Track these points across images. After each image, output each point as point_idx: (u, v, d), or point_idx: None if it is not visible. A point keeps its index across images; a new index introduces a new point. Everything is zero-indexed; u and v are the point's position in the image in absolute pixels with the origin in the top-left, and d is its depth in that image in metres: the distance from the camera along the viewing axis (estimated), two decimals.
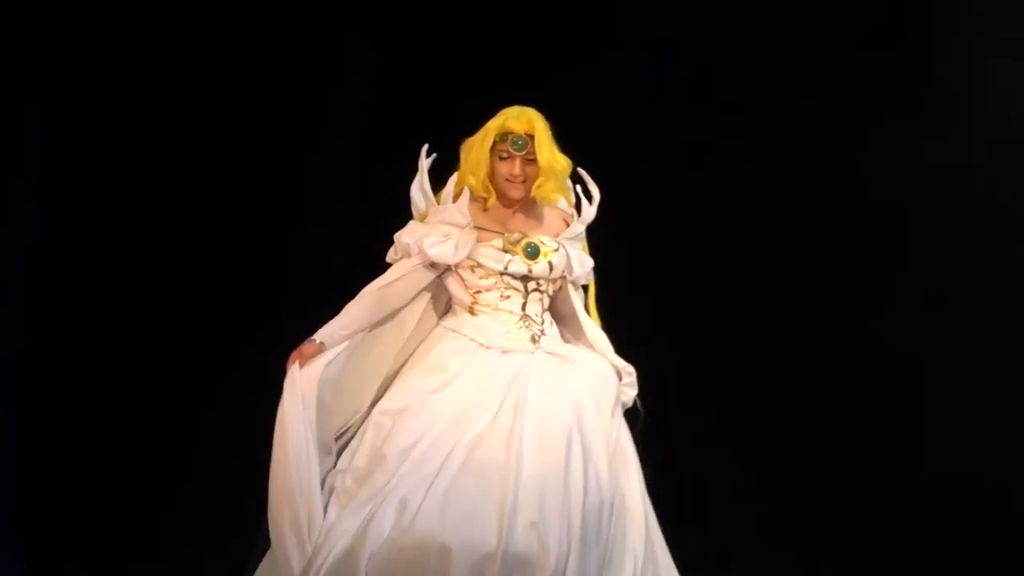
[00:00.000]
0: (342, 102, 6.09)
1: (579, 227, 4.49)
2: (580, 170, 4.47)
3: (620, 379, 4.39)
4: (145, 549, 5.85)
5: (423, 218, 4.44)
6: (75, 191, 5.89)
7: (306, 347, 4.30)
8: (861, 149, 5.90)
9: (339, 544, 4.10)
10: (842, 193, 5.85)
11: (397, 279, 4.39)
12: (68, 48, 5.85)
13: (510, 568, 4.00)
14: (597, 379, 4.35)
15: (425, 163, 4.45)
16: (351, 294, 4.38)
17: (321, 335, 4.31)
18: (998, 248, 5.84)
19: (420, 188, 4.46)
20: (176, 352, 5.90)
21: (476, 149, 4.39)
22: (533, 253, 4.38)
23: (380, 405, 4.32)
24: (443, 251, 4.34)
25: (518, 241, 4.39)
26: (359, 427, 4.34)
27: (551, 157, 4.34)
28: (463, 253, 4.34)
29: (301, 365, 4.26)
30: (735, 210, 5.90)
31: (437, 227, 4.37)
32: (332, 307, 4.36)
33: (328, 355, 4.31)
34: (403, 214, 4.47)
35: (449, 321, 4.44)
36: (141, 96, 5.91)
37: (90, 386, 5.89)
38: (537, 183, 4.36)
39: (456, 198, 4.39)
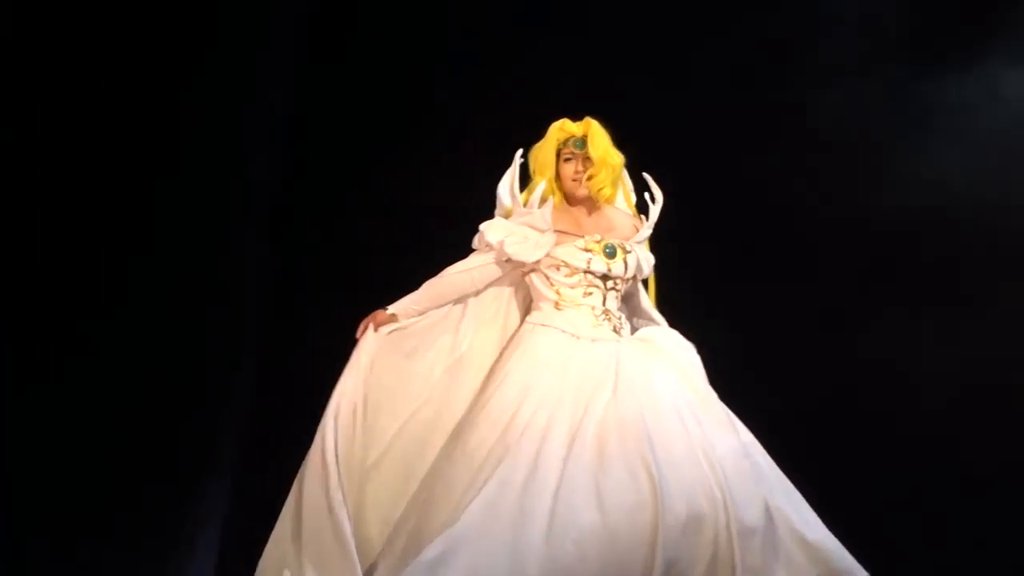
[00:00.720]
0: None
1: (646, 231, 4.80)
2: (645, 175, 4.79)
3: None
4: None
5: (508, 215, 4.73)
6: None
7: (379, 314, 4.67)
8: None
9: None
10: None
11: (469, 270, 4.72)
12: None
13: (683, 528, 4.26)
14: (679, 350, 4.69)
15: (516, 165, 4.76)
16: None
17: (394, 307, 4.68)
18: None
19: (509, 189, 4.75)
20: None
21: (541, 153, 4.74)
22: (611, 253, 4.69)
23: (489, 401, 4.55)
24: (522, 251, 4.63)
25: (598, 242, 4.69)
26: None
27: (604, 151, 4.69)
28: (540, 254, 4.63)
29: (375, 329, 4.62)
30: None
31: (519, 228, 4.67)
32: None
33: (395, 324, 4.65)
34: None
35: (535, 316, 4.72)
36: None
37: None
38: (588, 173, 4.67)
39: (542, 204, 4.68)
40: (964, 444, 5.91)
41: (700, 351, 4.78)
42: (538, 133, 5.17)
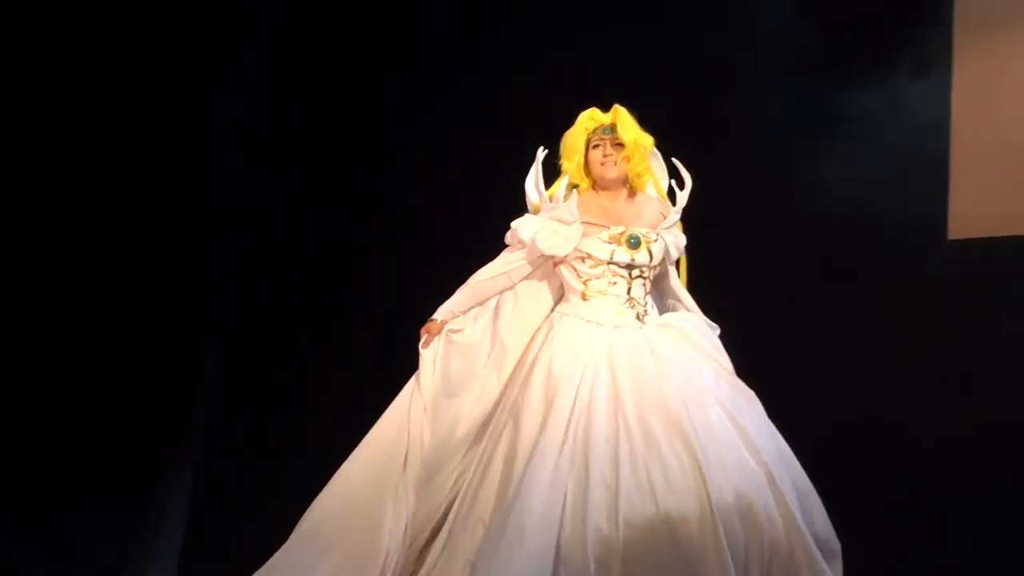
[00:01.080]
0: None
1: (674, 216, 4.97)
2: (674, 160, 4.99)
3: None
4: None
5: (536, 211, 4.91)
6: None
7: (431, 325, 4.91)
8: None
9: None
10: None
11: (506, 271, 4.91)
12: None
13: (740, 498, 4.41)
14: (702, 336, 4.87)
15: (540, 161, 4.94)
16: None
17: (439, 313, 4.92)
18: None
19: (534, 185, 4.94)
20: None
21: (570, 139, 4.93)
22: (635, 244, 4.84)
23: (523, 392, 4.70)
24: (553, 245, 4.81)
25: (622, 233, 4.85)
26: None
27: (635, 135, 4.90)
28: (570, 247, 4.80)
29: (428, 341, 4.87)
30: None
31: (549, 223, 4.84)
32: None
33: (451, 326, 4.90)
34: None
35: (563, 307, 4.88)
36: None
37: None
38: (623, 155, 4.85)
39: (567, 197, 4.88)
40: (879, 439, 6.06)
41: None
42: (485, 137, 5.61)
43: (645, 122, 4.94)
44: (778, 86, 6.31)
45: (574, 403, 4.57)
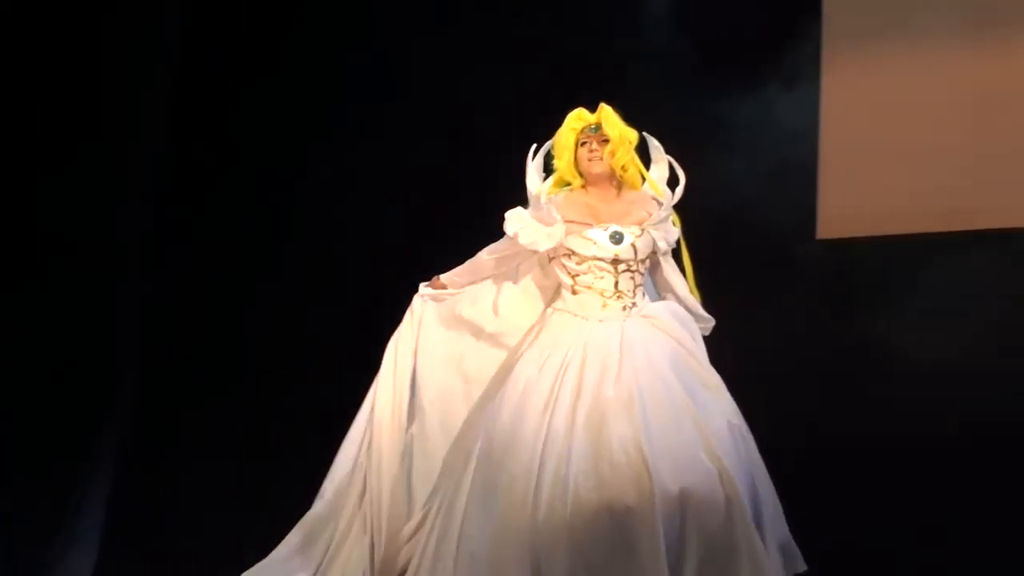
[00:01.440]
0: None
1: (662, 212, 5.08)
2: (669, 158, 5.13)
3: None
4: None
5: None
6: None
7: (435, 281, 5.16)
8: None
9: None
10: None
11: (496, 256, 5.11)
12: None
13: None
14: (679, 326, 4.96)
15: (531, 162, 5.08)
16: None
17: (444, 276, 5.17)
18: None
19: (528, 183, 5.09)
20: None
21: (561, 139, 5.09)
22: (618, 239, 4.97)
23: (507, 381, 4.84)
24: (533, 241, 4.97)
25: (605, 230, 4.99)
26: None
27: (620, 130, 5.06)
28: (550, 244, 4.95)
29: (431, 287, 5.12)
30: None
31: (531, 221, 5.00)
32: None
33: (442, 291, 5.13)
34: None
35: (557, 303, 5.04)
36: None
37: None
38: (609, 150, 4.99)
39: (555, 194, 5.04)
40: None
41: None
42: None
43: (533, 132, 5.14)
44: (663, 97, 6.57)
45: (549, 397, 4.73)
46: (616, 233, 4.97)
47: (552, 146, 5.08)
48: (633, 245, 4.99)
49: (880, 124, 6.56)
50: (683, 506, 4.50)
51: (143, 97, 6.56)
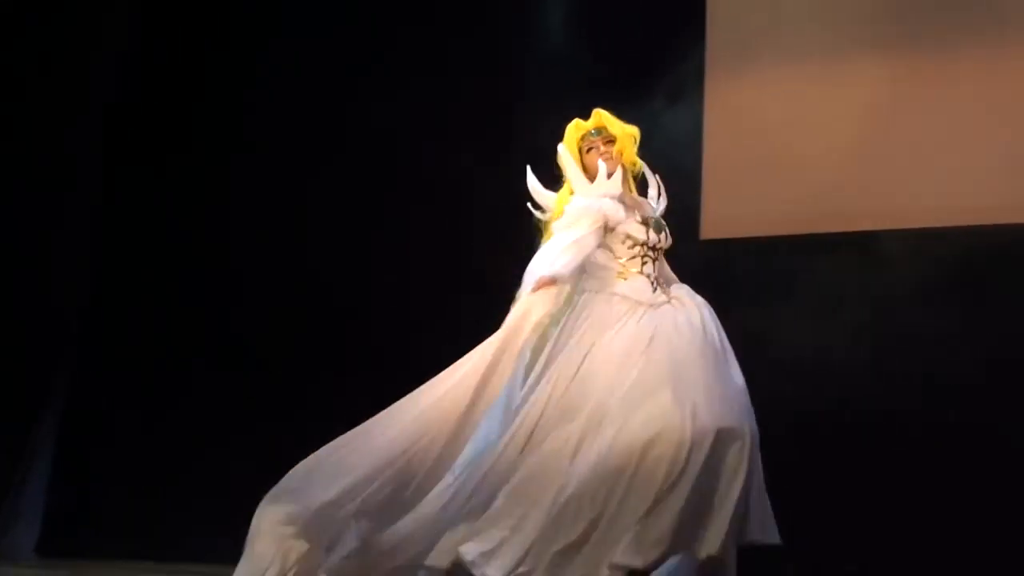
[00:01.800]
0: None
1: (660, 207, 5.21)
2: (656, 174, 5.25)
3: None
4: None
5: (549, 221, 5.06)
6: None
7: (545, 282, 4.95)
8: None
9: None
10: None
11: (593, 231, 4.96)
12: None
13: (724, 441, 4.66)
14: (704, 307, 5.04)
15: (530, 181, 5.12)
16: None
17: (548, 273, 4.93)
18: None
19: (542, 191, 5.13)
20: None
21: (567, 144, 5.13)
22: (659, 228, 5.13)
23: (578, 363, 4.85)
24: (615, 212, 4.97)
25: (650, 218, 5.11)
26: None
27: (621, 127, 5.14)
28: (623, 215, 4.98)
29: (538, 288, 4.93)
30: None
31: (602, 198, 4.98)
32: None
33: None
34: None
35: (592, 285, 5.01)
36: None
37: None
38: (617, 148, 5.07)
39: (610, 175, 5.06)
40: None
41: None
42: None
43: (435, 136, 5.48)
44: (557, 108, 6.38)
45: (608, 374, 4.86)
46: (657, 221, 5.13)
47: (559, 162, 5.15)
48: (667, 233, 5.16)
49: (758, 135, 7.02)
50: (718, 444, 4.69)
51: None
